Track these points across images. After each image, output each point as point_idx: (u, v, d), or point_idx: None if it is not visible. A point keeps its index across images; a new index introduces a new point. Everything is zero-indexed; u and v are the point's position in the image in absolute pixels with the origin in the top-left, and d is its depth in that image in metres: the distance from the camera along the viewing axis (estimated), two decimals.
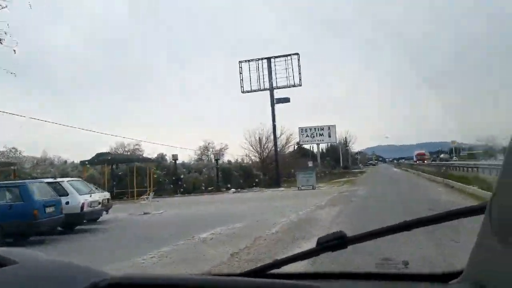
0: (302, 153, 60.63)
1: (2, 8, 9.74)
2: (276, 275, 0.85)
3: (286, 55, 32.37)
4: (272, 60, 32.64)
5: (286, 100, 32.23)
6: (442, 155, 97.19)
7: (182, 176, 29.54)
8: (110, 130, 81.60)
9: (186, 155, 58.91)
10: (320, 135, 60.73)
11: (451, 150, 79.75)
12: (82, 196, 11.62)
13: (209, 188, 28.61)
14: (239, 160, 43.28)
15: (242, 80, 32.82)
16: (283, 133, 45.89)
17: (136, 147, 40.71)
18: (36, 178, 16.56)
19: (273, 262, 0.88)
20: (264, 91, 33.06)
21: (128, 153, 40.29)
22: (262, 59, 32.91)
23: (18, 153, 29.53)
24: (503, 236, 0.59)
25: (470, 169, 27.70)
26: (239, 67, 33.32)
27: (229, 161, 38.53)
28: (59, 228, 11.14)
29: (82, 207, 11.43)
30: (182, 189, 28.31)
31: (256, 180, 34.37)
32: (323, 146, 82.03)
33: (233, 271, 1.28)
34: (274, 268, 0.87)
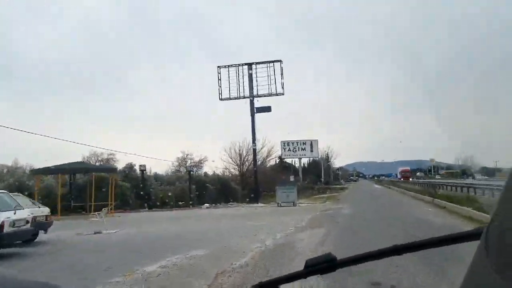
0: (283, 167, 59.93)
1: None
2: None
3: (268, 62, 30.83)
4: (253, 66, 31.20)
5: (267, 109, 30.60)
6: (418, 173, 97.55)
7: (151, 189, 27.21)
8: (86, 139, 78.09)
9: (165, 166, 56.83)
10: (302, 149, 60.20)
11: (429, 169, 79.56)
12: (3, 213, 9.17)
13: (180, 203, 26.34)
14: (219, 173, 42.14)
15: (220, 87, 31.18)
16: (264, 146, 45.39)
17: (110, 156, 38.79)
18: None
19: (258, 284, 0.82)
20: (244, 100, 31.21)
21: (101, 162, 37.84)
22: (242, 64, 31.30)
23: None
24: (501, 267, 0.52)
25: (459, 188, 26.21)
26: (218, 72, 31.61)
27: (206, 174, 36.39)
28: None
29: (1, 227, 8.98)
30: (150, 203, 25.99)
31: (234, 194, 33.14)
32: (305, 160, 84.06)
33: None
34: None
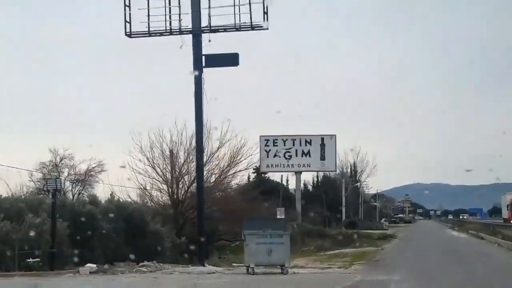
0: (264, 189, 60.89)
1: None
2: None
3: None
4: None
5: (230, 60, 29.60)
6: None
7: None
8: None
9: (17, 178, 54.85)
10: (305, 154, 61.09)
11: None
12: None
13: (31, 261, 25.11)
14: (129, 197, 41.48)
15: (128, 6, 29.42)
16: (224, 143, 43.38)
17: None
18: None
19: None
20: (180, 37, 30.49)
21: None
22: None
23: None
24: None
25: None
26: None
27: (95, 200, 35.12)
28: None
29: None
30: None
31: (157, 244, 32.12)
32: (308, 177, 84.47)
33: None
34: None
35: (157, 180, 41.57)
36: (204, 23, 30.19)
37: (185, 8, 30.69)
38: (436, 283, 21.24)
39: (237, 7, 29.70)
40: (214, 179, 42.44)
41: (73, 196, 48.42)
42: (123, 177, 41.45)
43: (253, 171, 66.53)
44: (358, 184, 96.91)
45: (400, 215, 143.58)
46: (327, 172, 78.08)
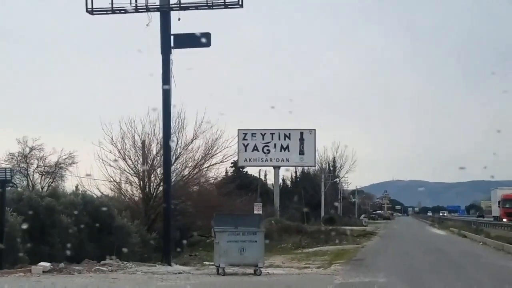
0: (242, 183, 60.61)
1: None
2: None
3: None
4: None
5: (201, 40, 27.84)
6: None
7: None
8: None
9: None
10: (284, 148, 61.26)
11: None
12: None
13: None
14: (99, 192, 39.78)
15: None
16: (197, 136, 41.62)
17: None
18: None
19: None
20: (146, 15, 28.81)
21: None
22: None
23: None
24: None
25: None
26: None
27: (54, 191, 34.35)
28: None
29: None
30: None
31: (124, 241, 30.59)
32: (287, 173, 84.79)
33: None
34: None
35: (128, 173, 39.84)
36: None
37: None
38: (425, 286, 20.14)
39: None
40: (188, 172, 40.48)
41: (42, 189, 46.86)
42: (94, 170, 40.14)
43: (231, 165, 66.06)
44: (337, 180, 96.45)
45: (379, 211, 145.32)
46: (306, 168, 78.81)
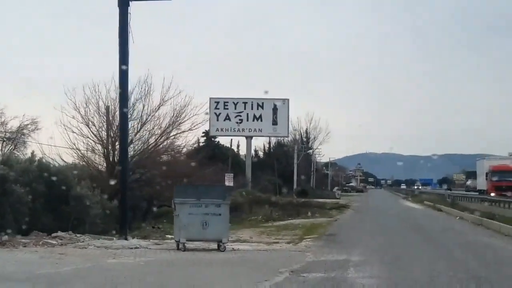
0: (213, 154, 61.32)
1: None
2: None
3: None
4: None
5: None
6: (469, 182, 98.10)
7: None
8: None
9: None
10: (256, 118, 60.57)
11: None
12: None
13: None
14: (61, 158, 37.96)
15: None
16: (164, 101, 40.17)
17: None
18: None
19: None
20: None
21: None
22: None
23: None
24: None
25: None
26: None
27: (7, 159, 31.76)
28: None
29: None
30: None
31: (81, 214, 29.34)
32: (259, 142, 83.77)
33: None
34: None
35: (92, 140, 38.19)
36: None
37: None
38: (405, 266, 18.18)
39: None
40: (154, 140, 38.71)
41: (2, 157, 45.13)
42: (56, 136, 38.60)
43: (203, 134, 65.79)
44: (311, 151, 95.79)
45: (351, 184, 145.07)
46: (279, 138, 78.77)
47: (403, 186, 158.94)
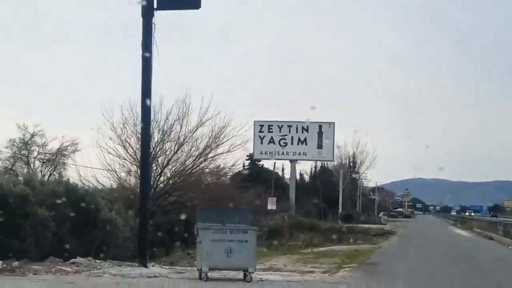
0: (257, 177, 63.02)
1: None
2: None
3: None
4: None
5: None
6: None
7: None
8: None
9: None
10: (301, 142, 59.79)
11: None
12: None
13: None
14: (96, 179, 38.23)
15: None
16: (203, 122, 39.49)
17: None
18: None
19: None
20: None
21: None
22: None
23: None
24: None
25: None
26: None
27: (29, 178, 30.68)
28: None
29: None
30: None
31: (108, 238, 28.78)
32: (305, 167, 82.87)
33: None
34: None
35: (128, 161, 38.55)
36: None
37: None
38: None
39: None
40: (192, 162, 37.82)
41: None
42: (92, 158, 38.97)
43: (247, 157, 66.11)
44: (357, 176, 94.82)
45: (399, 209, 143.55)
46: (325, 162, 78.48)
47: (453, 213, 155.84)
